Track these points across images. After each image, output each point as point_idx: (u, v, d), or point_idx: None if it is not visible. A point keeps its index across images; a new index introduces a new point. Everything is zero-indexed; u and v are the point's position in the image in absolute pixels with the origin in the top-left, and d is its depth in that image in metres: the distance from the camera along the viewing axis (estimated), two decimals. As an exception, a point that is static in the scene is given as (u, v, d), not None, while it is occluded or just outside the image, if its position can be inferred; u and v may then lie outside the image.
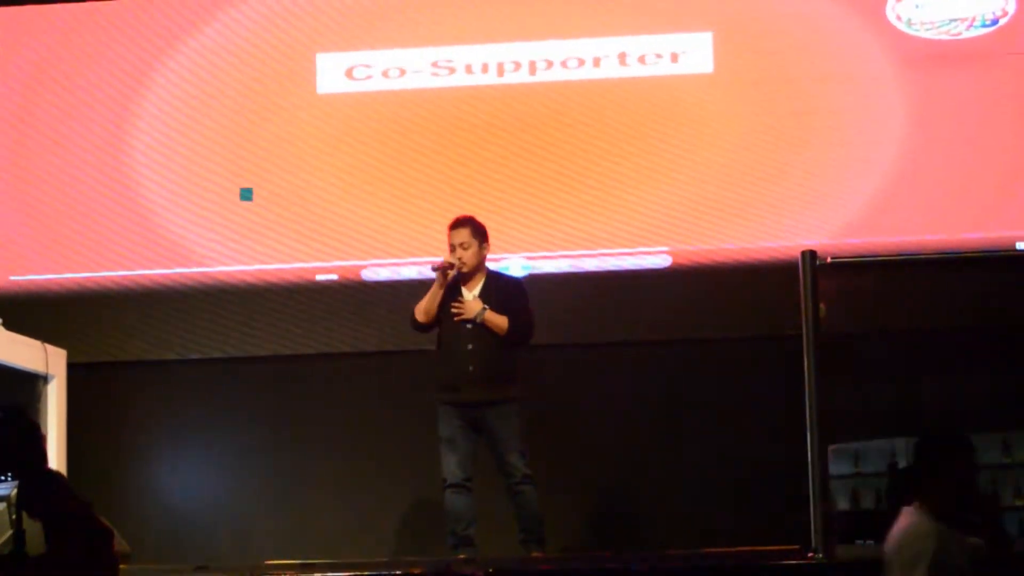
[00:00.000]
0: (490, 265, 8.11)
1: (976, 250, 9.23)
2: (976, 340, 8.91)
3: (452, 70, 9.87)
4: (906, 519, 5.07)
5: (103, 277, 9.84)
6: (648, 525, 9.28)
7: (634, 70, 9.76)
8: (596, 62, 9.77)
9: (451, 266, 7.83)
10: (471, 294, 7.88)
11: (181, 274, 9.82)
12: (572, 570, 6.81)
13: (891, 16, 9.59)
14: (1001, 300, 8.79)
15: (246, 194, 9.84)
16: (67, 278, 9.86)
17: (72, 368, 9.33)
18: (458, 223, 7.96)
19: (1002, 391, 8.72)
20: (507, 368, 7.83)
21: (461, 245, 7.86)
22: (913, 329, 9.02)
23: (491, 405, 7.71)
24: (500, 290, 7.92)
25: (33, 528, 5.30)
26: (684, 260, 9.53)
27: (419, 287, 8.19)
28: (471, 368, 7.73)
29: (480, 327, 7.77)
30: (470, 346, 7.77)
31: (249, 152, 9.89)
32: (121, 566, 7.74)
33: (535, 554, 7.58)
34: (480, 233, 7.92)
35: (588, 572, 6.78)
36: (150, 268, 9.82)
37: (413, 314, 7.91)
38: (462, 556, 7.48)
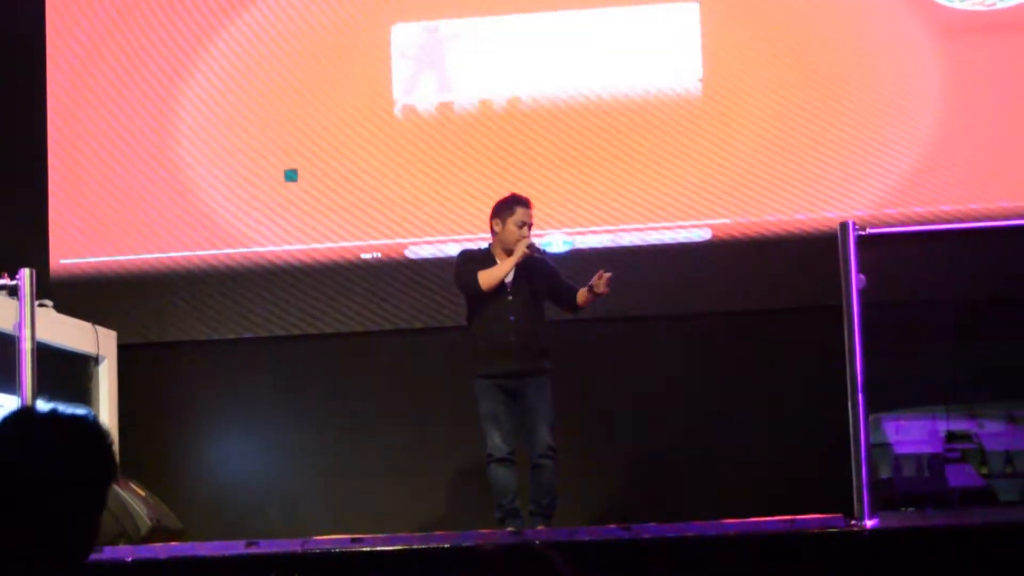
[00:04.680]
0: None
1: (1015, 218, 9.23)
2: (1017, 309, 8.92)
3: (489, 49, 9.96)
4: None
5: (151, 259, 9.94)
6: (691, 495, 9.34)
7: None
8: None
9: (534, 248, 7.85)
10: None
11: (227, 254, 9.92)
12: (615, 540, 6.88)
13: (927, -13, 9.62)
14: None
15: (291, 175, 9.93)
16: (116, 260, 9.96)
17: (122, 349, 9.47)
18: (528, 201, 7.95)
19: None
20: (545, 339, 7.91)
21: (528, 225, 7.88)
22: (953, 299, 9.04)
23: (530, 376, 7.79)
24: (531, 265, 7.93)
25: None
26: (724, 233, 9.58)
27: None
28: (514, 339, 7.80)
29: (519, 299, 7.83)
30: (512, 317, 7.83)
31: (294, 133, 9.98)
32: (173, 542, 7.90)
33: (540, 527, 7.62)
34: None
35: (630, 542, 6.85)
36: (197, 249, 9.93)
37: (473, 279, 7.83)
38: (510, 528, 7.56)
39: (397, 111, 9.94)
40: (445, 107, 9.95)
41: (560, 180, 9.70)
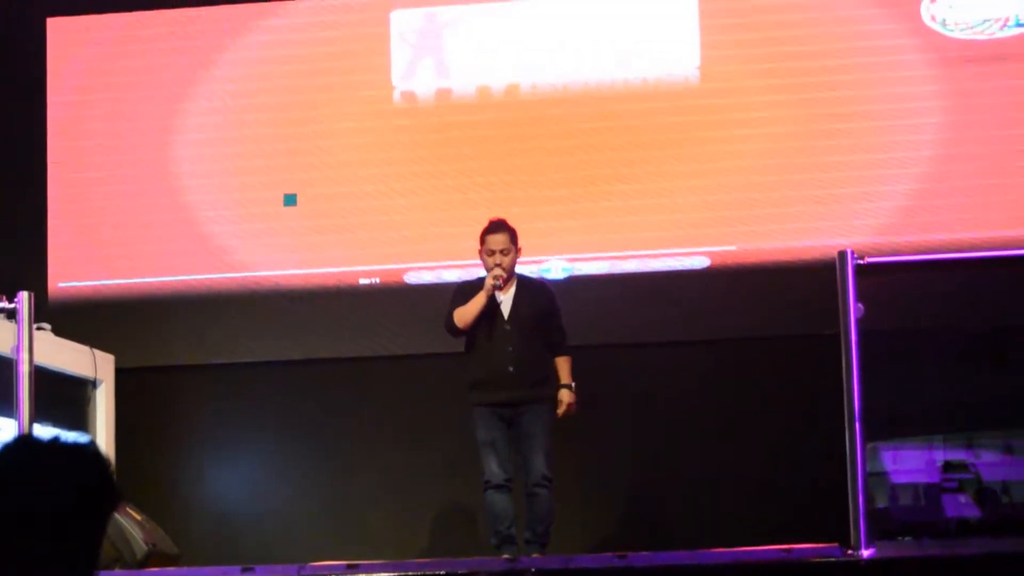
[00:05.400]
0: (527, 268, 8.14)
1: (1015, 247, 9.23)
2: (1015, 338, 8.93)
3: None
4: None
5: (150, 283, 9.94)
6: (687, 524, 9.33)
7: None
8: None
9: (503, 279, 7.81)
10: (506, 296, 7.89)
11: (226, 279, 9.92)
12: (611, 569, 6.87)
13: (926, 16, 9.61)
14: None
15: (290, 199, 9.94)
16: (114, 284, 9.97)
17: (120, 373, 9.46)
18: (496, 227, 7.88)
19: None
20: (544, 368, 7.89)
21: (502, 251, 7.80)
22: (951, 328, 9.04)
23: (527, 404, 7.77)
24: (534, 295, 7.94)
25: None
26: (722, 260, 9.58)
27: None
28: (511, 368, 7.77)
29: (517, 329, 7.82)
30: (510, 348, 7.82)
31: (293, 156, 9.99)
32: (169, 567, 7.89)
33: (535, 555, 7.61)
34: (514, 237, 7.89)
35: (626, 571, 6.84)
36: (196, 273, 9.93)
37: (450, 320, 7.87)
38: (506, 556, 7.54)
39: (396, 96, 9.95)
40: (443, 94, 9.97)
41: (560, 206, 9.69)
